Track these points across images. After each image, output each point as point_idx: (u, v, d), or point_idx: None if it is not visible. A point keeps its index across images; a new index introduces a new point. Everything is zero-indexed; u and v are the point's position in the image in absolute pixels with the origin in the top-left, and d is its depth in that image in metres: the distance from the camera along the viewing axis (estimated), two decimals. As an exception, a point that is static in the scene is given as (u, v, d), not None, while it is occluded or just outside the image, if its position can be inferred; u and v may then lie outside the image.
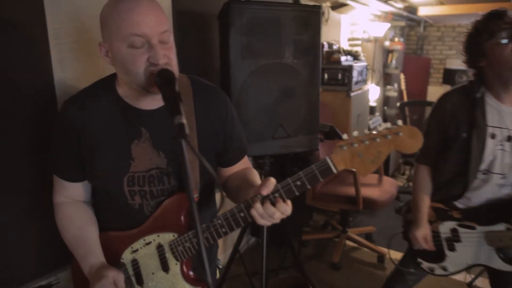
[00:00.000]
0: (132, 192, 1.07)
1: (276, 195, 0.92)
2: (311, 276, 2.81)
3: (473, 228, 1.53)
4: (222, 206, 0.99)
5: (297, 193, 0.92)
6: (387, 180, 3.20)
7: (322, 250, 3.24)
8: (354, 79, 3.36)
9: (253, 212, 0.92)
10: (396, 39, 5.47)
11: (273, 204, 0.91)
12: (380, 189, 3.00)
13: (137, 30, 0.91)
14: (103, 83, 1.11)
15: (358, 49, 4.73)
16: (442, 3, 4.48)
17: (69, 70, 1.54)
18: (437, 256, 1.62)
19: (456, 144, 1.53)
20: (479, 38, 1.41)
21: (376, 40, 4.63)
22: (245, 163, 1.27)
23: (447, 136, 1.56)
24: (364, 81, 3.72)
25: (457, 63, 6.32)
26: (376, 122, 4.20)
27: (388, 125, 0.87)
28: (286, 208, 0.91)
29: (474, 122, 1.47)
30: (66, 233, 1.12)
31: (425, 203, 1.62)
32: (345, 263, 3.02)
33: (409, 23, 6.23)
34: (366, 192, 2.85)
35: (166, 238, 1.07)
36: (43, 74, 1.45)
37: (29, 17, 1.38)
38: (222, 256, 2.85)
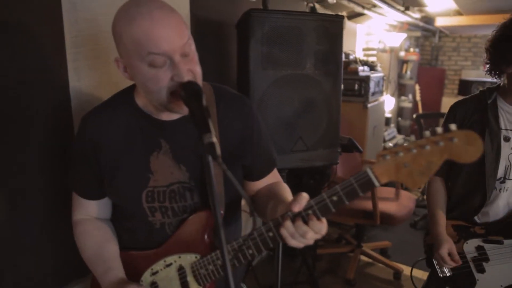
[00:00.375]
0: (152, 209, 1.01)
1: (310, 212, 0.82)
2: (326, 292, 2.73)
3: (500, 242, 1.43)
4: (255, 227, 0.90)
5: (333, 210, 0.82)
6: (404, 194, 3.10)
7: (336, 265, 3.14)
8: (371, 90, 3.29)
9: (283, 232, 0.83)
10: (412, 49, 5.40)
11: (306, 222, 0.82)
12: (397, 203, 2.91)
13: (156, 48, 0.84)
14: (122, 95, 1.07)
15: (373, 59, 4.67)
16: (460, 14, 4.40)
17: (85, 79, 1.50)
18: (467, 281, 1.51)
19: None
20: (507, 44, 1.36)
21: (392, 50, 4.56)
22: (275, 176, 1.19)
23: None
24: (381, 92, 3.65)
25: (473, 74, 6.22)
26: (391, 134, 4.11)
27: (440, 129, 0.74)
28: (320, 227, 0.81)
29: (487, 126, 1.42)
30: (86, 251, 1.07)
31: (443, 217, 1.54)
32: (360, 279, 2.92)
33: (424, 34, 6.15)
34: (383, 206, 2.76)
35: (188, 259, 1.00)
36: (58, 83, 1.41)
37: (47, 24, 1.34)
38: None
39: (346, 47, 4.01)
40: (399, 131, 5.36)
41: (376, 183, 0.78)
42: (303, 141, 1.88)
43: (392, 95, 4.80)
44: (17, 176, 1.28)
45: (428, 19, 5.08)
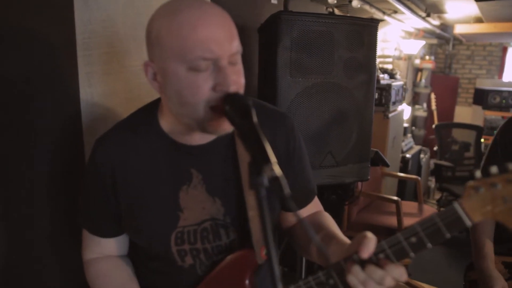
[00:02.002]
0: (181, 252, 0.85)
1: (381, 255, 0.68)
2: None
3: None
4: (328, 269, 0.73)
5: (411, 254, 0.67)
6: (427, 209, 2.94)
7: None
8: (392, 99, 3.13)
9: (351, 279, 0.68)
10: (427, 57, 5.24)
11: (378, 266, 0.67)
12: (420, 219, 2.73)
13: (203, 49, 0.69)
14: (143, 114, 0.90)
15: (390, 66, 4.52)
16: (479, 21, 4.25)
17: (98, 85, 1.34)
18: None
19: None
20: None
21: (409, 58, 4.41)
22: (316, 206, 1.03)
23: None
24: (401, 101, 3.49)
25: (487, 83, 6.05)
26: (409, 144, 3.95)
27: None
28: (400, 272, 0.66)
29: None
30: None
31: (491, 249, 1.37)
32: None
33: (439, 41, 6.00)
34: (405, 222, 2.59)
35: None
36: (68, 89, 1.25)
37: (56, 24, 1.19)
38: None
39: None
40: (414, 140, 5.20)
41: (468, 222, 0.64)
42: (333, 155, 1.72)
43: (408, 104, 4.64)
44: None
45: (445, 27, 4.94)
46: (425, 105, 5.30)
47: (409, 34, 4.79)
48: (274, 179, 0.55)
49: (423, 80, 5.20)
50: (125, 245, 0.95)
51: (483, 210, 0.64)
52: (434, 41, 5.39)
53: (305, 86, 1.65)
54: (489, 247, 1.38)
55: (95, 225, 0.92)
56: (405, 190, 3.79)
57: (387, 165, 2.23)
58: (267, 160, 0.56)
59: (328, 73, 1.68)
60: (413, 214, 2.83)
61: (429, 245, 0.67)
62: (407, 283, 2.81)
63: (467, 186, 0.66)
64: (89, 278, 0.93)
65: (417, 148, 4.05)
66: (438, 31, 4.75)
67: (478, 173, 0.66)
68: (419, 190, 3.00)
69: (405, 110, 4.03)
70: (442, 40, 6.03)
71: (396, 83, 3.29)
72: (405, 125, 4.07)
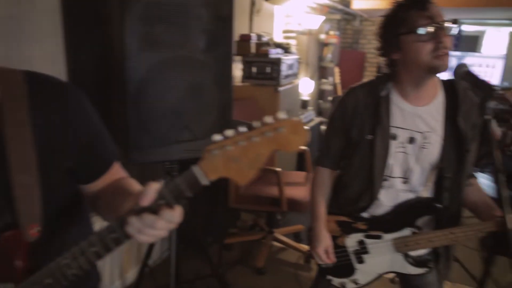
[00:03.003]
0: None
1: (161, 202, 0.71)
2: (233, 283, 2.65)
3: (379, 237, 1.43)
4: None
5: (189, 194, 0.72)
6: (315, 178, 3.10)
7: (248, 253, 3.08)
8: (283, 73, 3.20)
9: (129, 229, 0.71)
10: (332, 32, 5.43)
11: (155, 213, 0.71)
12: (307, 188, 2.88)
13: None
14: None
15: (293, 41, 4.60)
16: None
17: None
18: (347, 270, 1.51)
19: (359, 148, 1.38)
20: (396, 29, 1.24)
21: (310, 33, 4.52)
22: (118, 173, 1.00)
23: (350, 137, 1.41)
24: (295, 75, 3.58)
25: (391, 58, 6.45)
26: (309, 117, 4.11)
27: (269, 118, 0.69)
28: (172, 215, 0.70)
29: (378, 123, 1.33)
30: None
31: (323, 211, 1.49)
32: (271, 266, 2.89)
33: (345, 17, 6.23)
34: (291, 192, 2.72)
35: None
36: None
37: None
38: (133, 272, 2.59)
39: (263, 29, 3.89)
40: (320, 113, 5.42)
41: (204, 181, 0.70)
42: (191, 130, 1.72)
43: (312, 77, 4.80)
44: None
45: (347, 3, 5.13)
46: (331, 79, 5.52)
47: (314, 10, 4.90)
48: None
49: (329, 55, 5.40)
50: None
51: (218, 170, 0.70)
52: (338, 16, 5.58)
53: (158, 60, 1.61)
54: (321, 211, 1.49)
55: None
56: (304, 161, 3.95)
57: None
58: None
59: (183, 46, 1.65)
60: (299, 183, 2.97)
61: (176, 203, 0.71)
62: (297, 249, 2.97)
63: (205, 149, 0.70)
64: None
65: (317, 120, 4.23)
66: (340, 6, 4.92)
67: (215, 137, 0.70)
68: (307, 160, 3.15)
69: (305, 84, 4.15)
70: (350, 16, 6.28)
71: (289, 57, 3.37)
72: (306, 98, 4.20)
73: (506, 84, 5.71)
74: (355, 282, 1.52)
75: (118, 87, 1.64)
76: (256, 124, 0.69)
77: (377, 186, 1.37)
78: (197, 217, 2.81)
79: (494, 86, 1.05)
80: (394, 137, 1.34)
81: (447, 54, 1.19)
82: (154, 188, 0.71)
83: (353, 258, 1.49)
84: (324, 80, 5.39)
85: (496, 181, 0.98)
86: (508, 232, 0.90)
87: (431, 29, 1.17)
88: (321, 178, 1.53)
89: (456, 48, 6.37)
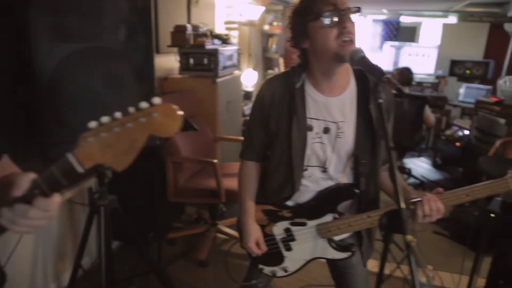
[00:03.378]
0: None
1: (36, 191, 0.71)
2: (175, 277, 2.63)
3: (304, 224, 1.46)
4: None
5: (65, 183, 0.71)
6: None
7: (192, 247, 3.07)
8: (222, 64, 3.18)
9: (2, 221, 0.71)
10: (276, 23, 5.46)
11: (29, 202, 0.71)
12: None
13: None
14: None
15: (235, 33, 4.58)
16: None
17: None
18: (276, 258, 1.54)
19: (278, 139, 1.40)
20: (304, 17, 1.25)
21: (252, 23, 4.52)
22: (5, 167, 0.95)
23: (269, 129, 1.42)
24: (235, 66, 3.57)
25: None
26: (252, 108, 4.12)
27: (144, 104, 0.69)
28: (47, 204, 0.70)
29: (294, 114, 1.34)
30: None
31: (251, 204, 1.50)
32: (214, 258, 2.89)
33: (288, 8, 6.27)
34: (230, 183, 2.72)
35: None
36: None
37: None
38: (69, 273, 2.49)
39: (203, 20, 3.84)
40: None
41: (79, 169, 0.70)
42: (111, 123, 1.67)
43: (255, 68, 4.81)
44: None
45: (289, -7, 5.16)
46: (277, 70, 5.57)
47: (256, 1, 4.90)
48: None
49: (273, 46, 5.44)
50: None
51: (94, 157, 0.70)
52: (281, 7, 5.62)
53: (70, 51, 1.53)
54: (249, 204, 1.49)
55: None
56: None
57: (195, 129, 2.27)
58: None
59: (99, 37, 1.59)
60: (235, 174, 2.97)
61: (52, 193, 0.71)
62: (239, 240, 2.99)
63: (80, 136, 0.70)
64: None
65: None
66: (282, -3, 4.95)
67: (90, 124, 0.69)
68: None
69: (248, 75, 4.16)
70: (294, 7, 6.32)
71: (227, 48, 3.35)
72: (250, 89, 4.21)
73: (440, 72, 6.04)
74: (285, 269, 1.54)
75: (28, 80, 1.55)
76: (131, 110, 0.69)
77: (297, 176, 1.39)
78: (135, 212, 2.74)
79: (383, 70, 1.09)
80: (310, 128, 1.36)
81: (351, 40, 1.21)
82: (27, 178, 0.71)
83: (281, 246, 1.51)
84: (269, 71, 5.43)
85: (391, 162, 1.02)
86: (400, 210, 0.95)
87: (335, 15, 1.20)
88: (246, 172, 1.52)
89: (396, 38, 6.64)
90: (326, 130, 1.36)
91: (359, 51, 1.18)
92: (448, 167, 5.14)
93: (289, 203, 1.48)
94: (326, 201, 1.44)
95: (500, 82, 4.65)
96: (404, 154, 5.29)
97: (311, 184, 1.43)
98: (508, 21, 5.84)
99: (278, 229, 1.49)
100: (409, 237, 0.89)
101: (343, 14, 1.20)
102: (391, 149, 1.02)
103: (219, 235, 3.14)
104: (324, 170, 1.41)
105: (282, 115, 1.37)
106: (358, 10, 1.24)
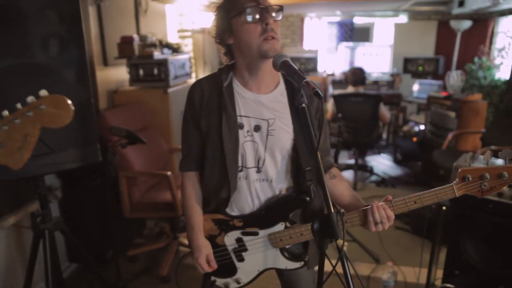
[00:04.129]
0: None
1: None
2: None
3: (256, 234, 1.42)
4: None
5: None
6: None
7: (154, 263, 2.97)
8: (172, 74, 3.12)
9: None
10: (231, 29, 5.44)
11: None
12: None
13: None
14: None
15: (189, 41, 4.53)
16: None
17: None
18: (229, 269, 1.49)
19: (210, 140, 1.36)
20: (228, 12, 1.24)
21: (205, 31, 4.49)
22: None
23: (201, 130, 1.38)
24: (188, 75, 3.52)
25: (293, 50, 6.69)
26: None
27: (31, 98, 0.68)
28: None
29: (224, 113, 1.32)
30: None
31: (198, 219, 1.45)
32: (178, 272, 2.81)
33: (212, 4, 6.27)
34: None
35: None
36: None
37: None
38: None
39: (154, 29, 3.76)
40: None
41: None
42: (44, 143, 1.58)
43: (212, 76, 4.77)
44: None
45: None
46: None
47: (208, 8, 4.87)
48: None
49: (230, 52, 5.41)
50: None
51: None
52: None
53: (-5, 68, 1.45)
54: (196, 219, 1.44)
55: None
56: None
57: (143, 142, 2.20)
58: None
59: (23, 53, 1.50)
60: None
61: None
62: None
63: None
64: None
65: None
66: (235, 4, 4.92)
67: None
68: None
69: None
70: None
71: (178, 57, 3.30)
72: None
73: (395, 70, 6.22)
74: (237, 281, 1.49)
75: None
76: (18, 106, 0.71)
77: (232, 177, 1.36)
78: (90, 233, 2.63)
79: (303, 75, 1.08)
80: (241, 126, 1.33)
81: (274, 38, 1.21)
82: None
83: (233, 256, 1.46)
84: (228, 78, 5.40)
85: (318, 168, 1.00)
86: (330, 214, 0.93)
87: (257, 12, 1.19)
88: (189, 184, 1.47)
89: (350, 39, 6.79)
90: (257, 128, 1.34)
91: (282, 56, 1.18)
92: (408, 162, 5.28)
93: (236, 211, 1.44)
94: (277, 209, 1.41)
95: (449, 77, 4.83)
96: (365, 152, 5.39)
97: (248, 185, 1.39)
98: (453, 18, 6.10)
99: (230, 239, 1.44)
100: (340, 242, 0.87)
101: (266, 11, 1.20)
102: (316, 154, 1.00)
103: (182, 248, 3.06)
104: (259, 170, 1.37)
105: (212, 114, 1.34)
106: (280, 8, 1.24)
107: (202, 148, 1.42)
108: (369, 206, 1.23)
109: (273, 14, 1.22)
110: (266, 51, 1.20)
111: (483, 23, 5.91)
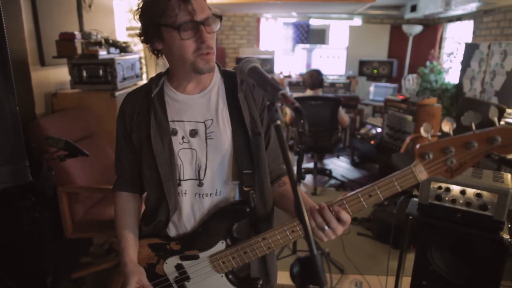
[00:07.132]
0: None
1: None
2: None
3: (196, 257, 1.20)
4: None
5: None
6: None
7: (103, 284, 2.68)
8: (120, 75, 2.84)
9: None
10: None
11: None
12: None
13: None
14: None
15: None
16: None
17: None
18: None
19: (143, 154, 1.20)
20: (157, 18, 1.04)
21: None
22: None
23: (133, 144, 1.22)
24: (138, 76, 3.24)
25: (248, 51, 6.54)
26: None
27: None
28: None
29: (154, 121, 1.16)
30: None
31: (130, 243, 1.23)
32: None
33: None
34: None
35: None
36: None
37: None
38: None
39: (100, 26, 3.43)
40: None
41: None
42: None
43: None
44: None
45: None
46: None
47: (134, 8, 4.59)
48: None
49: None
50: None
51: None
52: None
53: None
54: (127, 243, 1.23)
55: None
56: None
57: (86, 155, 1.93)
58: None
59: None
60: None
61: None
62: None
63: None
64: None
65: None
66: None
67: None
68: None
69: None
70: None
71: (127, 57, 3.01)
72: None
73: (350, 72, 6.25)
74: None
75: None
76: None
77: (171, 194, 1.17)
78: (25, 259, 2.30)
79: (278, 85, 0.90)
80: (174, 133, 1.17)
81: (210, 53, 1.08)
82: None
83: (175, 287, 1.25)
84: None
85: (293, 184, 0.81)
86: (313, 257, 0.75)
87: (192, 28, 1.04)
88: (120, 205, 1.29)
89: (307, 41, 6.74)
90: (193, 133, 1.17)
91: (250, 60, 1.00)
92: (365, 164, 5.30)
93: (175, 231, 1.23)
94: (214, 225, 1.19)
95: (404, 80, 4.89)
96: (323, 156, 5.35)
97: (190, 201, 1.19)
98: (405, 22, 6.24)
99: (169, 267, 1.22)
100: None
101: (201, 26, 1.04)
102: (292, 174, 0.81)
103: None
104: (200, 183, 1.18)
105: (142, 126, 1.19)
106: (219, 17, 1.09)
107: (136, 169, 1.25)
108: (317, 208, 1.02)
109: (211, 26, 1.07)
110: (201, 68, 1.09)
111: (432, 28, 6.09)
